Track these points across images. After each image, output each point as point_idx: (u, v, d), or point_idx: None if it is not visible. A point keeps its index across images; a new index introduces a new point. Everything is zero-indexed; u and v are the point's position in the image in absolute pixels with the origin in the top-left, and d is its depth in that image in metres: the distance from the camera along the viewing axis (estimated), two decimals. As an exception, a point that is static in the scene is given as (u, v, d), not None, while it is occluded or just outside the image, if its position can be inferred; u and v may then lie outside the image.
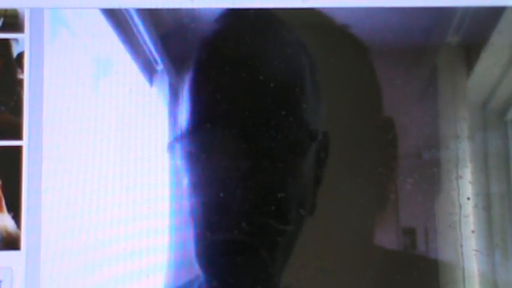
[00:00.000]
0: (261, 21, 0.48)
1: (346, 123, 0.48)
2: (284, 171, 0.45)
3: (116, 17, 0.48)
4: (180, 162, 0.46)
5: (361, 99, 0.49)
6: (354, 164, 0.47)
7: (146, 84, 0.49)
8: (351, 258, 0.47)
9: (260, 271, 0.44)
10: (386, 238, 0.47)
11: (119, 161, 0.46)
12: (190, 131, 0.46)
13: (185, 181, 0.46)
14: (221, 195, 0.45)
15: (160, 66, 0.49)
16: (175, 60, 0.49)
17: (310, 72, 0.47)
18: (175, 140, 0.47)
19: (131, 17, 0.48)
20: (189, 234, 0.45)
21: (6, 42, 0.47)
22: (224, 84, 0.45)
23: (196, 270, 0.45)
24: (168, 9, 0.48)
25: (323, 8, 0.48)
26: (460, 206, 0.47)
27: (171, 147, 0.47)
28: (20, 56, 0.47)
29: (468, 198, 0.47)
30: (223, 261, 0.45)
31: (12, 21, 0.47)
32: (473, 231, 0.47)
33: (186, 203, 0.46)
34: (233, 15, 0.48)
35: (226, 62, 0.46)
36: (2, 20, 0.47)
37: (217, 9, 0.48)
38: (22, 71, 0.47)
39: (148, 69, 0.49)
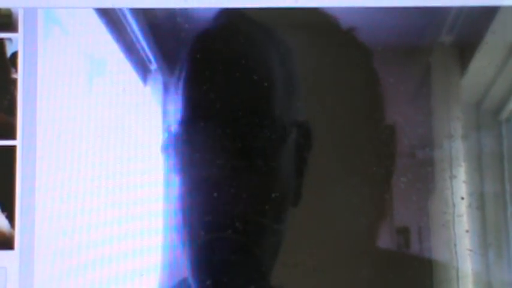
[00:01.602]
0: (232, 21, 0.47)
1: (336, 120, 0.48)
2: (272, 169, 0.45)
3: (110, 17, 0.48)
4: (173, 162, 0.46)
5: (352, 97, 0.49)
6: (347, 163, 0.47)
7: (140, 83, 0.49)
8: (344, 257, 0.47)
9: (253, 270, 0.44)
10: (380, 237, 0.47)
11: (113, 160, 0.46)
12: (176, 131, 0.46)
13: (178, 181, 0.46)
14: (215, 194, 0.45)
15: (154, 66, 0.49)
16: (169, 59, 0.49)
17: (280, 64, 0.47)
18: (169, 140, 0.47)
19: (125, 16, 0.48)
20: (183, 234, 0.45)
21: (0, 42, 0.47)
22: (202, 83, 0.46)
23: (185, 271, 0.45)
24: (162, 9, 0.48)
25: (316, 8, 0.48)
26: (454, 206, 0.47)
27: (165, 148, 0.47)
28: (14, 55, 0.47)
29: (462, 198, 0.47)
30: (216, 260, 0.45)
31: (5, 20, 0.47)
32: (467, 231, 0.47)
33: (179, 202, 0.46)
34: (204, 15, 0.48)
35: (201, 60, 0.46)
36: (-5, 19, 0.47)
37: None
38: (16, 71, 0.46)
39: (142, 69, 0.49)
